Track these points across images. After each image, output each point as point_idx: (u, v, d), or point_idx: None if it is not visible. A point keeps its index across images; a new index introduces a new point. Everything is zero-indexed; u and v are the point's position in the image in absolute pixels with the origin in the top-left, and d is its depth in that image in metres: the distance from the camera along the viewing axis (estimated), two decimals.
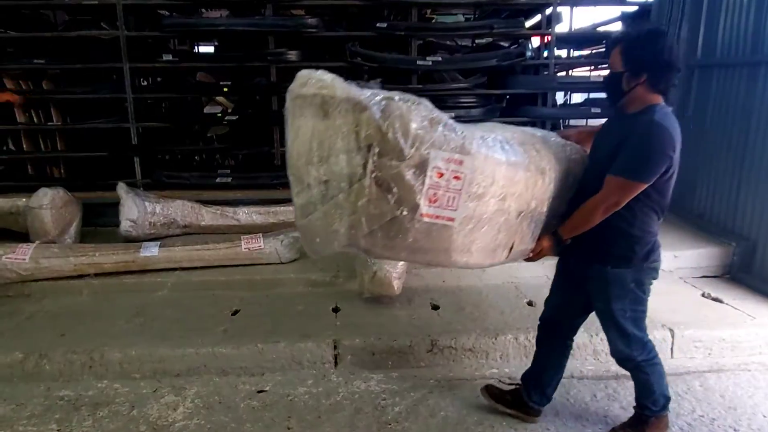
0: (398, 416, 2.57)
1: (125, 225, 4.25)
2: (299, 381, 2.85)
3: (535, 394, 2.49)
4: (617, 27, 5.77)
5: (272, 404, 2.64)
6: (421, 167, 1.68)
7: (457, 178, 1.73)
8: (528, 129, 2.24)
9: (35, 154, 5.40)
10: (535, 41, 5.84)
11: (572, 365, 3.00)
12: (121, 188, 4.37)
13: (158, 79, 5.88)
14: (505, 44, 5.63)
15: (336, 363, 3.01)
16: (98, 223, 4.71)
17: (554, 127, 5.48)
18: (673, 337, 3.13)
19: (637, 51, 1.91)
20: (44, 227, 4.09)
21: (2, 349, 2.92)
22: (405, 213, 1.72)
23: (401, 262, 3.51)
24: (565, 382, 2.84)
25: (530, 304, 3.59)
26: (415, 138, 1.65)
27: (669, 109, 1.97)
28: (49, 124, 5.39)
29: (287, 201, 4.75)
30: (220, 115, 5.47)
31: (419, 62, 4.96)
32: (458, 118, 5.09)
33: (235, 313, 3.41)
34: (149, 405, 2.62)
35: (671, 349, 3.13)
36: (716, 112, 4.37)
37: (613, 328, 2.21)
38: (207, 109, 6.13)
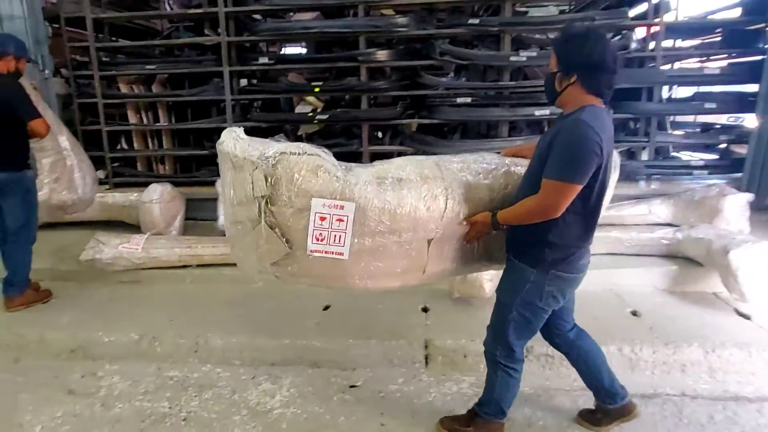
0: None
1: (222, 220, 4.46)
2: (390, 378, 2.84)
3: (605, 396, 2.41)
4: (735, 14, 5.25)
5: (364, 399, 2.65)
6: (305, 212, 1.96)
7: (340, 220, 1.98)
8: (445, 158, 2.30)
9: (144, 152, 5.83)
10: (640, 32, 5.43)
11: (685, 383, 2.78)
12: (219, 185, 4.60)
13: (253, 81, 6.13)
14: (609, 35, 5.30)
15: (426, 363, 2.97)
16: (198, 217, 5.00)
17: (660, 124, 5.09)
18: None
19: (568, 52, 1.90)
20: (153, 220, 4.40)
21: (120, 330, 3.17)
22: (297, 251, 2.02)
23: None
24: (677, 401, 2.64)
25: (634, 314, 3.36)
26: (298, 189, 1.94)
27: (602, 110, 1.91)
28: (157, 124, 5.79)
29: None
30: (310, 114, 5.61)
31: (512, 58, 4.79)
32: (554, 115, 4.87)
33: (326, 308, 3.47)
34: (249, 391, 2.73)
35: None
36: None
37: (494, 318, 2.22)
38: (298, 109, 6.33)
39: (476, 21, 4.91)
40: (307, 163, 1.96)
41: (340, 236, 2.01)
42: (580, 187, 1.84)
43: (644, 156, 5.13)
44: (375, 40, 5.48)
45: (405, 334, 3.07)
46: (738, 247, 3.24)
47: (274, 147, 1.99)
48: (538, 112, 4.86)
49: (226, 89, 5.37)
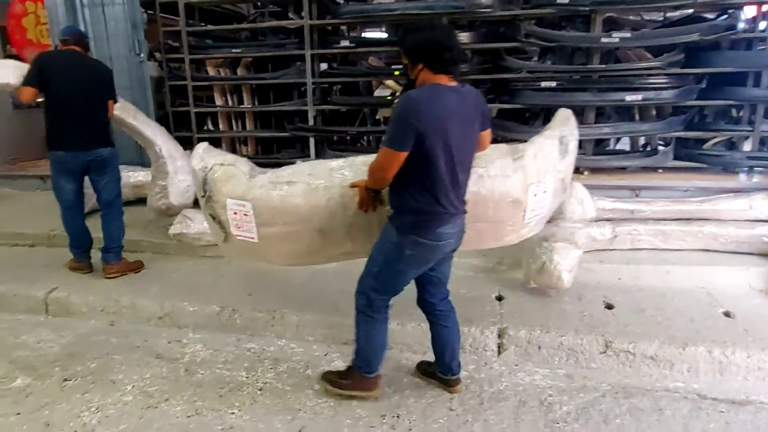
0: (566, 416, 2.40)
1: None
2: (461, 364, 2.81)
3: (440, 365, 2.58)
4: None
5: (435, 383, 2.64)
6: (226, 208, 2.66)
7: (245, 214, 2.62)
8: (335, 163, 2.67)
9: (229, 133, 6.10)
10: (750, 11, 4.94)
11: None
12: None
13: (334, 64, 6.22)
14: (709, 16, 4.87)
15: (499, 352, 2.92)
16: None
17: (767, 112, 4.62)
18: None
19: (407, 45, 2.15)
20: None
21: (204, 301, 3.35)
22: (227, 234, 2.75)
23: (574, 254, 3.28)
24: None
25: (727, 315, 3.11)
26: (219, 191, 2.66)
27: (444, 87, 2.08)
28: (241, 106, 6.03)
29: None
30: (390, 98, 5.61)
31: (604, 40, 4.51)
32: (647, 100, 4.56)
33: None
34: (321, 367, 2.80)
35: None
36: None
37: (364, 269, 2.36)
38: (377, 92, 6.35)
39: (566, 1, 4.67)
40: (225, 172, 2.67)
41: (248, 226, 2.65)
42: (399, 154, 2.02)
43: (747, 146, 4.70)
44: (458, 22, 5.36)
45: (478, 321, 3.02)
46: None
47: (212, 159, 2.72)
48: (630, 98, 4.58)
49: (307, 72, 5.48)
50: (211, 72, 6.03)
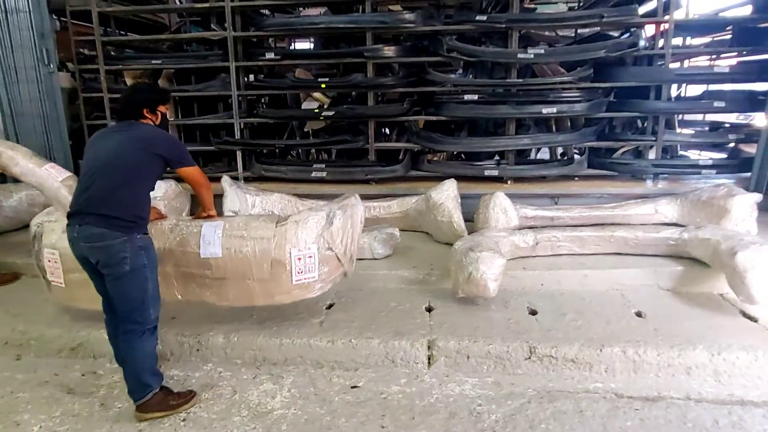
0: (495, 424, 2.46)
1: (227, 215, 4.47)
2: (392, 379, 2.82)
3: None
4: (746, 11, 5.15)
5: (366, 401, 2.63)
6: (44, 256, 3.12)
7: (55, 261, 3.03)
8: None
9: None
10: (649, 30, 5.36)
11: (690, 386, 2.75)
12: (225, 181, 4.59)
13: (260, 76, 6.12)
14: (614, 34, 5.24)
15: (429, 364, 2.95)
16: None
17: (668, 123, 5.02)
18: None
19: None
20: None
21: None
22: (47, 281, 3.17)
23: (498, 263, 3.38)
24: (681, 404, 2.61)
25: (639, 315, 3.32)
26: (41, 242, 3.10)
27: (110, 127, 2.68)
28: None
29: (382, 196, 4.77)
30: (317, 110, 5.59)
31: (520, 55, 4.74)
32: (562, 113, 4.86)
33: (330, 306, 3.45)
34: (249, 391, 2.72)
35: None
36: None
37: None
38: (305, 105, 6.31)
39: (484, 18, 4.86)
40: (47, 226, 3.03)
41: (58, 272, 2.99)
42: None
43: (651, 155, 5.08)
44: (382, 35, 5.44)
45: (408, 334, 3.05)
46: (746, 249, 3.19)
47: (46, 217, 3.11)
48: (546, 110, 4.82)
49: (232, 84, 5.37)
50: (130, 83, 5.76)
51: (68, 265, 2.86)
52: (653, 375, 2.86)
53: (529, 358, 2.92)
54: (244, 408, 2.58)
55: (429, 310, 3.41)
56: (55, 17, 5.37)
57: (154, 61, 5.63)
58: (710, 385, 2.77)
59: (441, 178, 4.45)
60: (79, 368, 2.99)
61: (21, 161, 3.86)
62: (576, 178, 5.14)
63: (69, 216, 2.43)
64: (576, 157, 5.26)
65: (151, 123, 2.64)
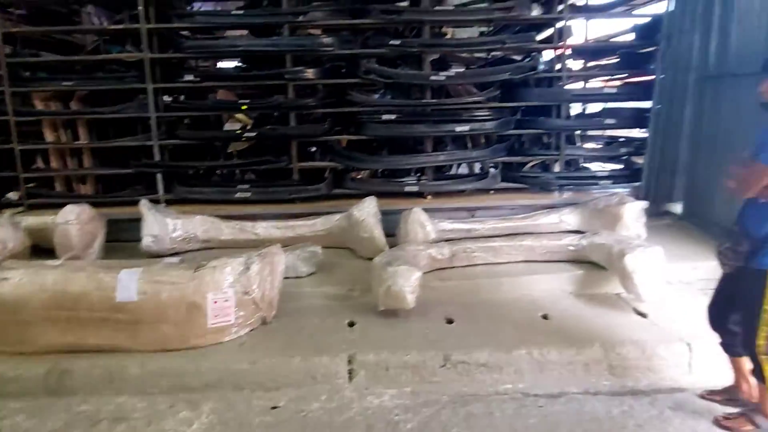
0: None
1: (147, 240, 4.38)
2: (313, 396, 2.88)
3: None
4: (630, 38, 5.72)
5: (286, 420, 2.68)
6: None
7: None
8: None
9: (62, 171, 5.60)
10: (550, 54, 5.83)
11: (588, 381, 3.00)
12: (144, 205, 4.50)
13: (181, 97, 6.04)
14: (519, 57, 5.65)
15: (350, 378, 3.03)
16: (122, 238, 4.85)
17: (570, 139, 5.45)
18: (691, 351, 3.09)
19: None
20: (70, 242, 4.24)
21: (27, 363, 3.02)
22: None
23: (415, 276, 3.53)
24: (580, 398, 2.84)
25: (545, 317, 3.57)
26: None
27: None
28: (76, 142, 5.58)
29: (305, 215, 4.84)
30: (239, 131, 5.60)
31: (432, 77, 5.00)
32: (474, 131, 5.15)
33: (251, 328, 3.46)
34: (165, 421, 2.68)
35: (689, 363, 3.08)
36: (729, 123, 4.32)
37: None
38: (228, 126, 6.28)
39: (397, 42, 5.10)
40: None
41: None
42: None
43: (557, 168, 5.48)
44: (303, 58, 5.55)
45: (329, 350, 3.12)
46: (633, 252, 3.54)
47: None
48: (459, 128, 5.10)
49: (150, 106, 5.27)
50: (39, 106, 5.51)
51: None
52: (556, 373, 3.07)
53: (444, 365, 3.07)
54: None
55: (351, 324, 3.50)
56: None
57: (65, 83, 5.43)
58: (606, 378, 3.04)
59: (364, 196, 4.59)
60: None
61: None
62: (491, 192, 5.45)
63: None
64: (491, 171, 5.57)
65: None
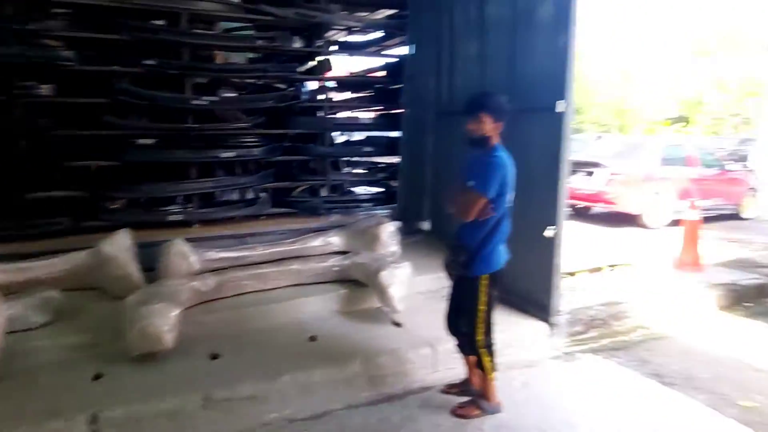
0: None
1: None
2: None
3: None
4: (381, 74, 6.38)
5: None
6: None
7: None
8: None
9: None
10: (315, 85, 6.14)
11: (350, 395, 3.16)
12: None
13: None
14: (283, 86, 5.81)
15: None
16: None
17: (335, 165, 5.79)
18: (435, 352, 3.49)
19: None
20: None
21: None
22: None
23: (173, 313, 3.31)
24: (342, 414, 2.97)
25: (313, 339, 3.65)
26: None
27: None
28: None
29: (39, 254, 4.14)
30: None
31: (194, 102, 4.81)
32: (241, 157, 5.08)
33: None
34: None
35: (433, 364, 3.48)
36: (458, 152, 5.10)
37: None
38: None
39: (153, 62, 4.77)
40: None
41: None
42: None
43: (324, 193, 5.77)
44: (39, 72, 4.81)
45: (66, 410, 2.69)
46: (385, 269, 3.89)
47: None
48: (225, 154, 4.99)
49: None
50: None
51: None
52: (323, 392, 3.15)
53: (205, 406, 2.92)
54: None
55: (97, 377, 3.08)
56: None
57: None
58: (365, 390, 3.24)
59: (121, 228, 4.13)
60: None
61: None
62: (262, 218, 5.44)
63: None
64: (261, 196, 5.58)
65: None
